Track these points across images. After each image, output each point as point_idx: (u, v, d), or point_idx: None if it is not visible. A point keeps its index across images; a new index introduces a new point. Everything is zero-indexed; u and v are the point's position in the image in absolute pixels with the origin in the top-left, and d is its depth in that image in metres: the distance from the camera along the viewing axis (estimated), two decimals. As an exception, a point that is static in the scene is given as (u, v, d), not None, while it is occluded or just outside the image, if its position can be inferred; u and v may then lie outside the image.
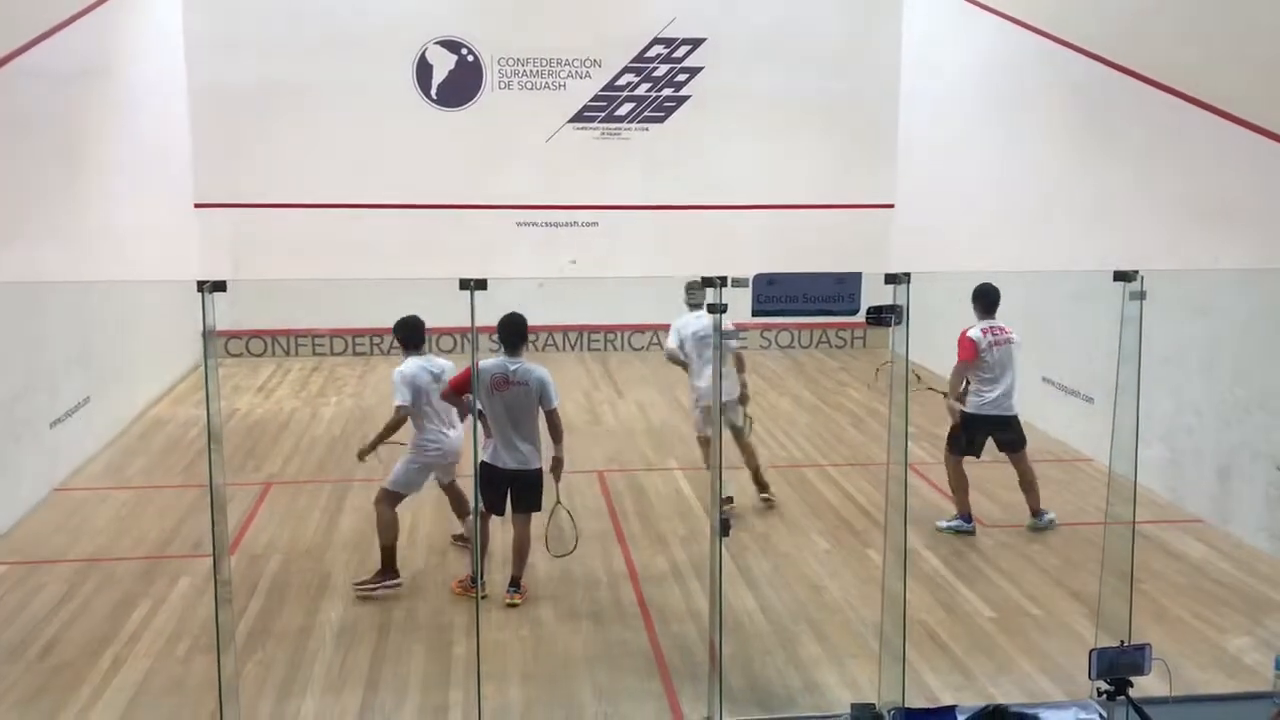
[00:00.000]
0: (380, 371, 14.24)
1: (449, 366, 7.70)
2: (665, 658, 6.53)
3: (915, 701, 5.67)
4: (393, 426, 7.53)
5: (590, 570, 7.85)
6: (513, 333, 7.23)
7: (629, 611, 7.18)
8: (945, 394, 8.78)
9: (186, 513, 8.89)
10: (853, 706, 5.62)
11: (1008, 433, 8.68)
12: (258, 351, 15.18)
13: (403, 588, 7.47)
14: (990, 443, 8.75)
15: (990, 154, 12.96)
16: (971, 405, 8.60)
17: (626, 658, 6.54)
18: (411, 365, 7.58)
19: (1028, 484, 8.74)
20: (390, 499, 7.58)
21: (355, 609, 7.20)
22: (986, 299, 8.60)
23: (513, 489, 7.36)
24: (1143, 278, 5.42)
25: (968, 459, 8.72)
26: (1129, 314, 5.47)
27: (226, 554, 5.51)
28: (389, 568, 7.48)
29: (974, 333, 8.55)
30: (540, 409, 7.32)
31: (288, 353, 15.20)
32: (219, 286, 4.94)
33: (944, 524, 8.63)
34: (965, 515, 8.63)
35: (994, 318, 8.59)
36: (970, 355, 8.52)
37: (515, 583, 7.33)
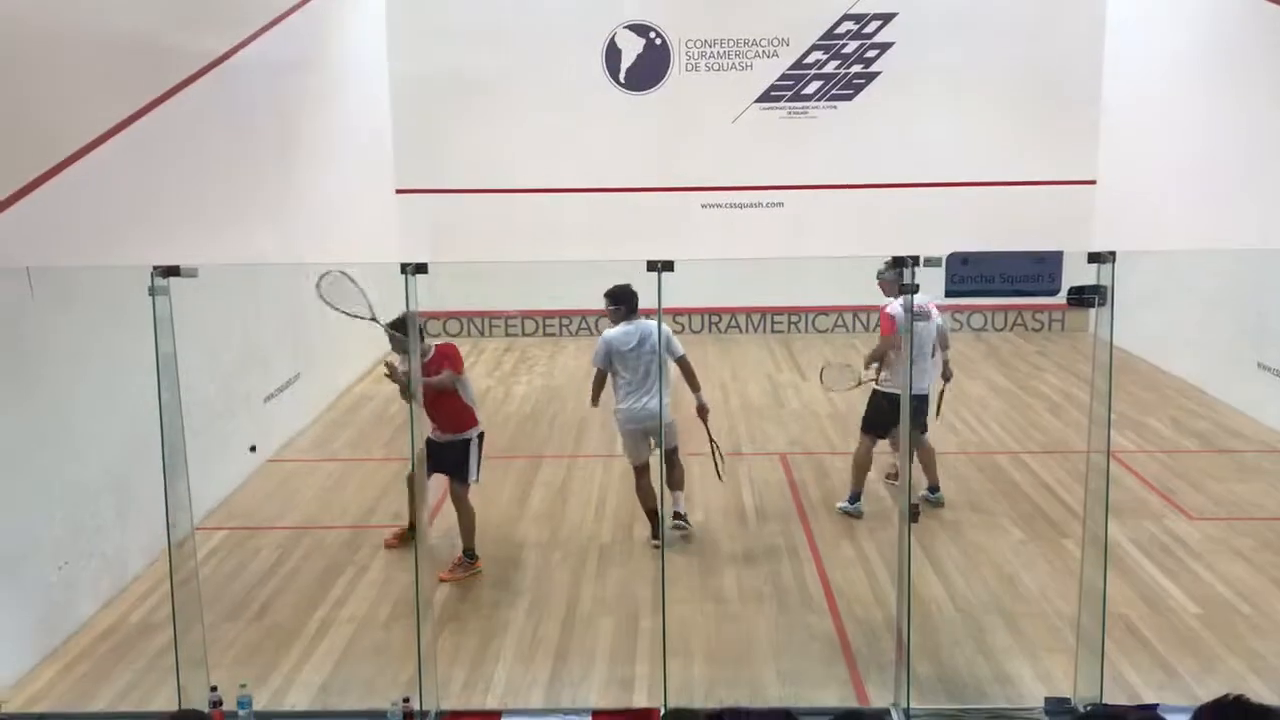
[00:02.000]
0: (569, 351, 14.55)
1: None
2: (850, 643, 6.47)
3: (1114, 698, 5.45)
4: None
5: (774, 552, 7.84)
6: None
7: (813, 595, 7.15)
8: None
9: (388, 485, 9.30)
10: (1047, 700, 5.45)
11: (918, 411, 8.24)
12: (454, 332, 15.72)
13: (590, 564, 7.65)
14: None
15: (1200, 124, 12.24)
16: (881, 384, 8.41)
17: (811, 641, 6.52)
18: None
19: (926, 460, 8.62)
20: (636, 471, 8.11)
21: (546, 582, 7.40)
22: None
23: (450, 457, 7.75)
24: (1375, 256, 5.04)
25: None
26: (1359, 295, 5.10)
27: (427, 526, 5.75)
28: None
29: (894, 309, 8.14)
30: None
31: (483, 333, 15.68)
32: (421, 269, 5.14)
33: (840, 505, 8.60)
34: (855, 495, 8.54)
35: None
36: (890, 331, 8.26)
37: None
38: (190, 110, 8.61)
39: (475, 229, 14.91)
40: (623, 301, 7.95)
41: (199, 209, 8.81)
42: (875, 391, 8.47)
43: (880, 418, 8.37)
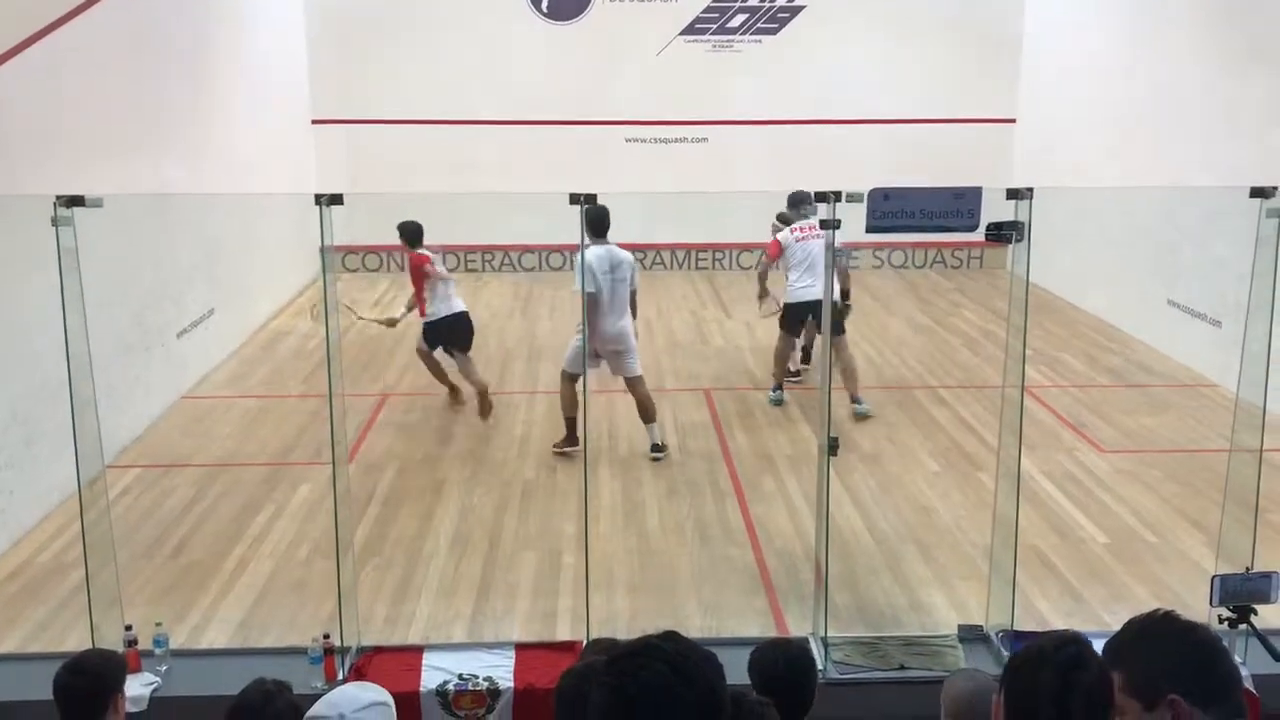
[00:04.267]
0: (492, 288, 14.40)
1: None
2: (770, 575, 6.57)
3: (1025, 625, 5.61)
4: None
5: (697, 487, 7.90)
6: (410, 232, 9.29)
7: (735, 528, 7.23)
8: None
9: (306, 422, 9.17)
10: (960, 627, 5.60)
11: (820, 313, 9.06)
12: (374, 267, 15.46)
13: (513, 500, 7.66)
14: None
15: (1119, 65, 12.39)
16: (789, 295, 9.44)
17: (732, 574, 6.60)
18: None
19: (848, 372, 9.30)
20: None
21: (469, 518, 7.39)
22: (793, 200, 9.61)
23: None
24: (1282, 194, 5.14)
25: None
26: (1265, 233, 5.21)
27: (346, 463, 5.68)
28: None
29: (782, 235, 9.46)
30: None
31: (401, 268, 15.39)
32: (336, 200, 5.02)
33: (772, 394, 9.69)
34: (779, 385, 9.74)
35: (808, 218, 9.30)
36: (775, 253, 9.56)
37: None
38: (93, 34, 8.27)
39: (394, 161, 14.59)
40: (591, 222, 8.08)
41: (104, 137, 8.49)
42: (785, 303, 9.58)
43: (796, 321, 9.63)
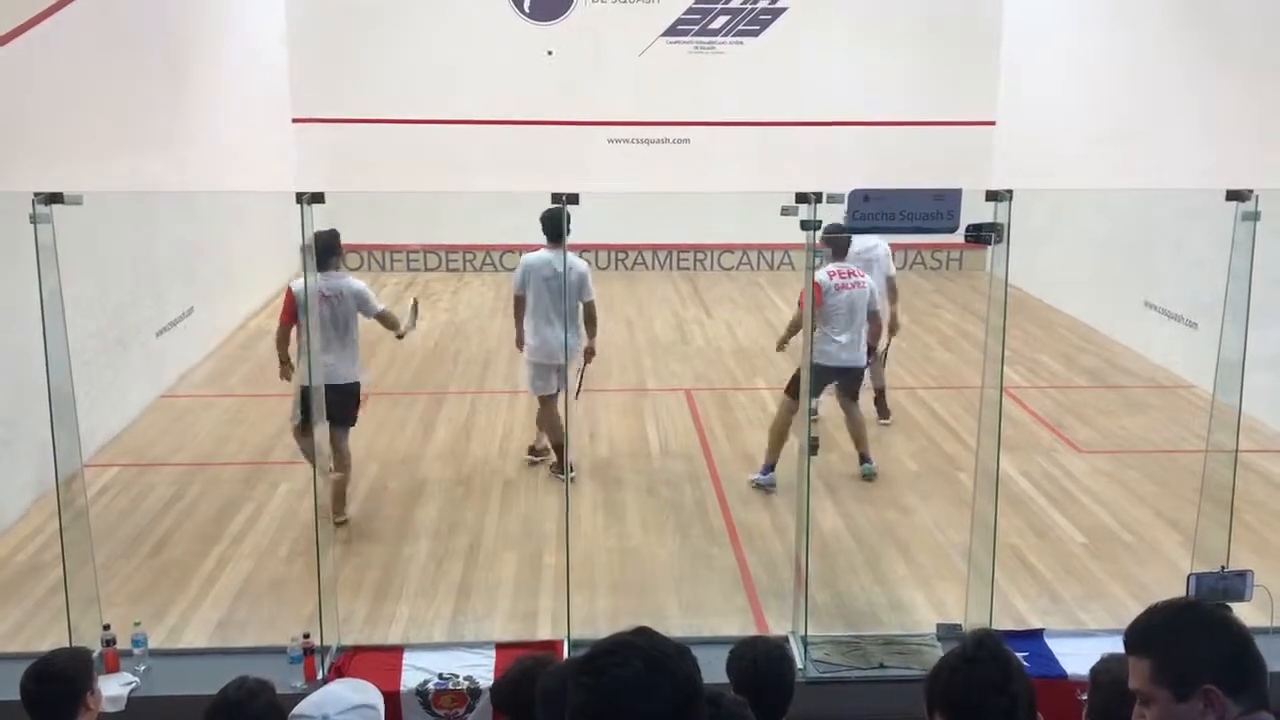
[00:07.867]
0: (473, 287, 14.40)
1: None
2: (751, 574, 6.59)
3: (1003, 624, 5.65)
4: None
5: (677, 487, 7.91)
6: (324, 246, 6.50)
7: (715, 528, 7.24)
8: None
9: (286, 421, 9.10)
10: (939, 626, 5.63)
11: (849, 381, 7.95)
12: (354, 266, 15.38)
13: (494, 500, 7.65)
14: None
15: (1097, 67, 12.47)
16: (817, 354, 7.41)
17: (713, 573, 6.61)
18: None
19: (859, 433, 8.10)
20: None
21: (450, 518, 7.37)
22: (837, 243, 7.70)
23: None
24: (1257, 197, 5.19)
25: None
26: (1240, 236, 5.25)
27: (327, 461, 5.66)
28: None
29: (820, 275, 7.47)
30: (360, 316, 7.09)
31: (383, 267, 15.39)
32: (317, 198, 5.01)
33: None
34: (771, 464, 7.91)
35: (844, 260, 7.87)
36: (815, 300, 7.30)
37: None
38: (72, 30, 8.22)
39: (376, 160, 14.54)
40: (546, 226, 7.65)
41: (84, 134, 8.44)
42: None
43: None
